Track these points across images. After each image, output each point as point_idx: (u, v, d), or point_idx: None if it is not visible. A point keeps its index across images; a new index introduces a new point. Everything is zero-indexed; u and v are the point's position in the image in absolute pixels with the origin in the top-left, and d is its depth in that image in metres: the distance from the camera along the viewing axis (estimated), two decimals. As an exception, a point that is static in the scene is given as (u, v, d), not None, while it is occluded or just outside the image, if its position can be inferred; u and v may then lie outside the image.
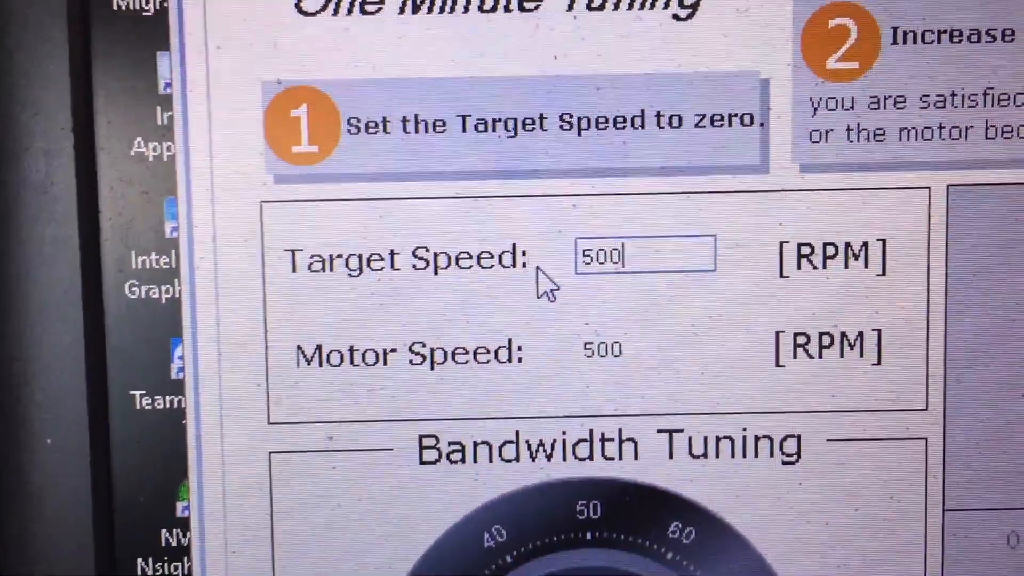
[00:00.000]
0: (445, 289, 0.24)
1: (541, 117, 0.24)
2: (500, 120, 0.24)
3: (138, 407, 0.24)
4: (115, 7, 0.24)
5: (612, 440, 0.25)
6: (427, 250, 0.24)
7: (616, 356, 0.24)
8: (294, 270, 0.24)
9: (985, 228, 0.24)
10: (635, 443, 0.25)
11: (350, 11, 0.24)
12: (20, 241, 0.24)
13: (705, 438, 0.25)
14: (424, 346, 0.24)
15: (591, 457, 0.25)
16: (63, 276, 0.24)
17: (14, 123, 0.24)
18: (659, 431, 0.25)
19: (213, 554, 0.25)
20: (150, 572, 0.25)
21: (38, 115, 0.24)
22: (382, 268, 0.24)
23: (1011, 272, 0.24)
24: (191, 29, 0.24)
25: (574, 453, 0.25)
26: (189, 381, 0.24)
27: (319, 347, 0.24)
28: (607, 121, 0.24)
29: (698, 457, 0.25)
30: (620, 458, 0.25)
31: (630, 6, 0.24)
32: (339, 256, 0.24)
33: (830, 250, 0.24)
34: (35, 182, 0.24)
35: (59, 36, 0.24)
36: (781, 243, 0.24)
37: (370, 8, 0.24)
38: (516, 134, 0.24)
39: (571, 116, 0.24)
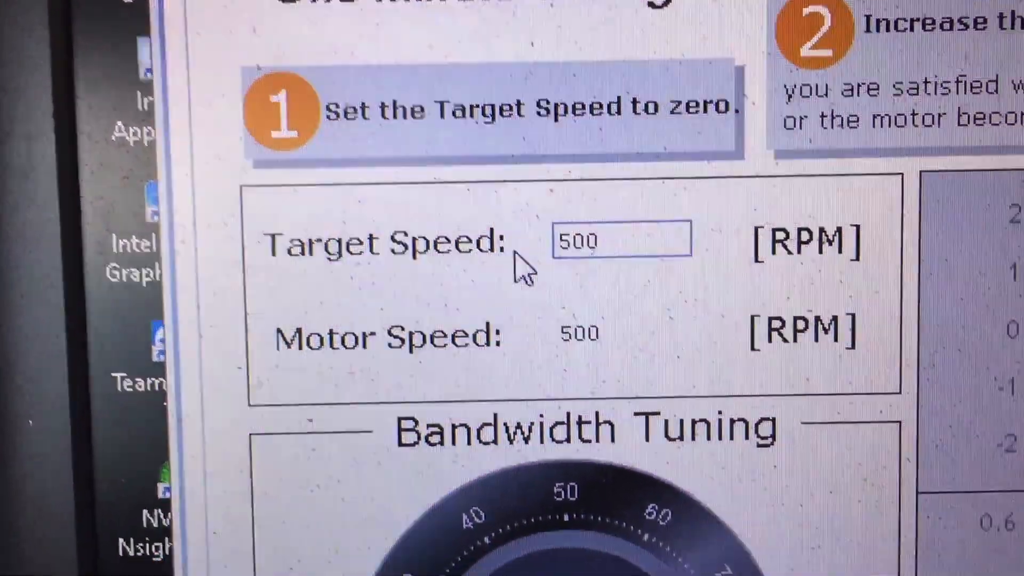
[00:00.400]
0: (423, 273, 0.24)
1: (518, 103, 0.24)
2: (477, 106, 0.24)
3: (119, 389, 0.25)
4: (97, -7, 0.24)
5: (589, 423, 0.25)
6: (406, 235, 0.24)
7: (593, 340, 0.25)
8: (274, 254, 0.24)
9: (958, 214, 0.24)
10: (612, 426, 0.25)
11: None
12: (2, 225, 0.24)
13: (681, 421, 0.25)
14: (403, 329, 0.25)
15: (568, 440, 0.25)
16: (45, 259, 0.24)
17: None
18: (635, 414, 0.25)
19: (194, 535, 0.25)
20: (131, 552, 0.25)
21: (20, 100, 0.24)
22: (361, 252, 0.24)
23: (983, 257, 0.24)
24: (171, 15, 0.24)
25: (551, 436, 0.25)
26: (170, 363, 0.24)
27: (299, 330, 0.24)
28: (583, 107, 0.24)
29: (674, 440, 0.25)
30: (597, 441, 0.25)
31: (606, -7, 0.24)
32: (318, 240, 0.24)
33: (804, 235, 0.24)
34: (17, 166, 0.24)
35: (40, 22, 0.24)
36: (756, 228, 0.24)
37: None
38: (493, 120, 0.24)
39: (548, 102, 0.24)
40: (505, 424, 0.25)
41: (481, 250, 0.24)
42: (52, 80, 0.24)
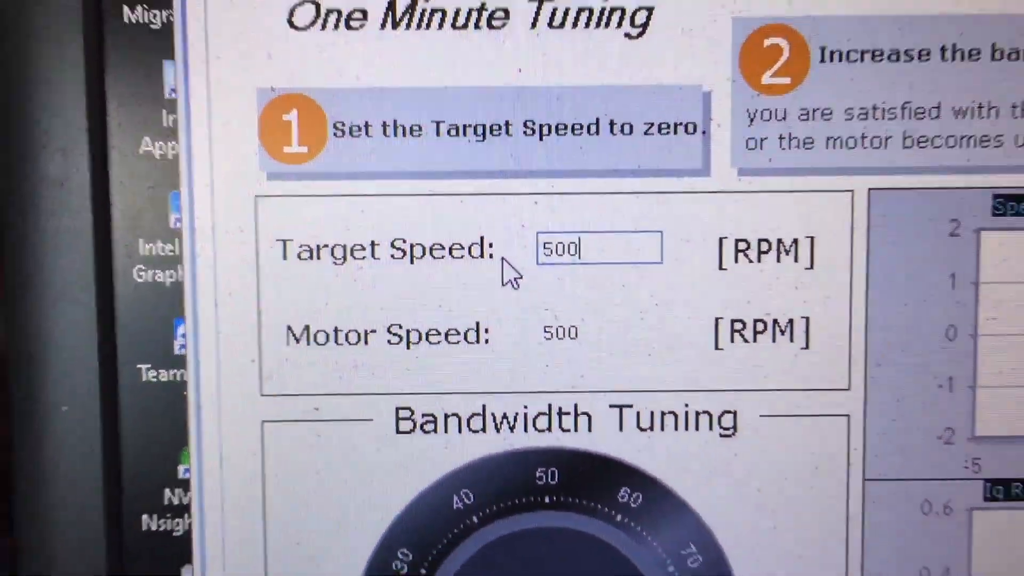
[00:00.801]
0: (420, 277, 0.27)
1: (507, 123, 0.27)
2: (470, 126, 0.27)
3: (144, 379, 0.27)
4: (126, 20, 0.27)
5: (568, 414, 0.27)
6: (404, 241, 0.27)
7: (572, 338, 0.27)
8: (284, 258, 0.27)
9: (902, 228, 0.27)
10: (589, 417, 0.27)
11: (336, 26, 0.26)
12: (39, 230, 0.27)
13: (652, 413, 0.27)
14: (401, 328, 0.27)
15: (549, 429, 0.27)
16: (78, 262, 0.27)
17: (35, 124, 0.26)
18: (610, 406, 0.27)
19: (211, 512, 0.27)
20: (154, 527, 0.28)
21: (56, 117, 0.26)
22: (364, 257, 0.27)
23: (925, 267, 0.27)
24: (193, 41, 0.26)
25: (534, 425, 0.27)
26: (190, 357, 0.27)
27: (307, 327, 0.27)
28: (566, 128, 0.27)
29: (645, 430, 0.27)
30: (575, 430, 0.27)
31: (587, 25, 0.26)
32: (325, 246, 0.27)
33: (764, 246, 0.27)
34: (53, 177, 0.26)
35: (75, 46, 0.26)
36: (720, 239, 0.27)
37: (354, 24, 0.26)
38: (484, 138, 0.27)
39: (534, 123, 0.27)
40: (492, 414, 0.27)
41: (472, 256, 0.27)
42: (86, 99, 0.26)
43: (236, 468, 0.27)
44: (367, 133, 0.26)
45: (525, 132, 0.26)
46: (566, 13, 0.26)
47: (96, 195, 0.26)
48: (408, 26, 0.26)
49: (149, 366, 0.27)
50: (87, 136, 0.26)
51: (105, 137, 0.27)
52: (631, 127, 0.26)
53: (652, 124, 0.26)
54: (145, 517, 0.27)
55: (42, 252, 0.26)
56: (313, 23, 0.26)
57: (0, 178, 0.26)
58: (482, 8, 0.26)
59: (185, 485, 0.27)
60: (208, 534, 0.27)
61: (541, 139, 0.27)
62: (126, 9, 0.26)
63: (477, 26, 0.26)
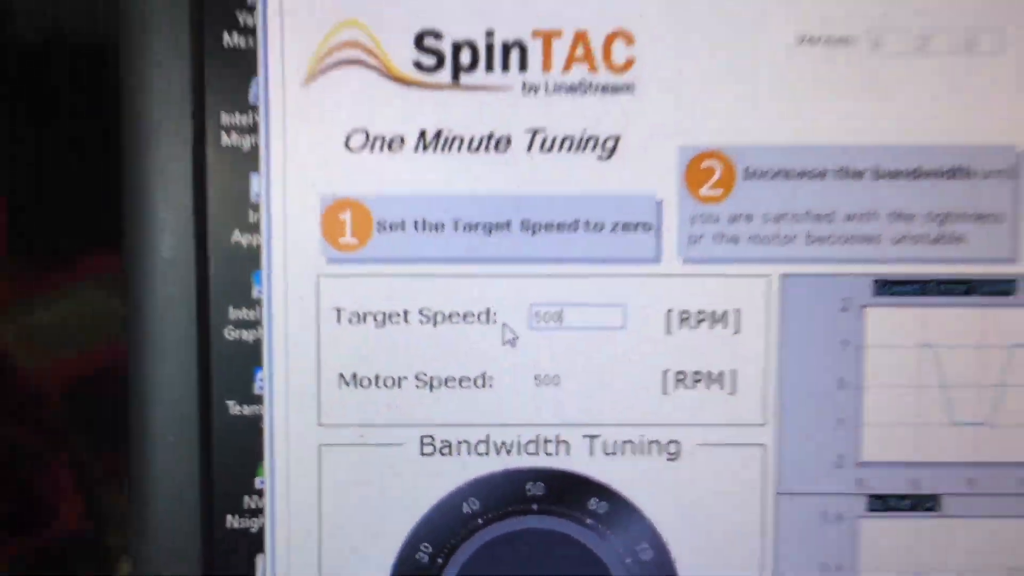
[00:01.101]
0: (441, 336, 0.35)
1: (508, 222, 0.35)
2: (481, 223, 0.35)
3: (231, 412, 0.35)
4: (223, 145, 0.35)
5: (551, 442, 0.36)
6: (429, 310, 0.35)
7: (556, 385, 0.35)
8: (338, 322, 0.35)
9: (806, 303, 0.35)
10: (568, 444, 0.36)
11: (381, 148, 0.35)
12: (153, 299, 0.35)
13: (615, 441, 0.36)
14: (426, 375, 0.35)
15: (537, 453, 0.36)
16: (182, 322, 0.35)
17: (154, 213, 0.35)
18: (583, 436, 0.36)
19: (280, 514, 0.36)
20: (236, 526, 0.36)
21: (169, 211, 0.35)
22: (398, 322, 0.35)
23: (822, 333, 0.35)
24: (274, 159, 0.35)
25: (526, 450, 0.36)
26: (266, 395, 0.35)
27: (354, 375, 0.35)
28: (553, 226, 0.35)
29: (610, 454, 0.36)
30: (557, 454, 0.36)
31: (569, 149, 0.35)
32: (369, 313, 0.35)
33: (702, 315, 0.35)
34: (167, 257, 0.35)
35: (184, 166, 0.35)
36: (668, 310, 0.35)
37: (394, 147, 0.35)
38: (491, 233, 0.35)
39: (529, 222, 0.35)
40: (494, 442, 0.36)
41: (480, 322, 0.35)
42: (193, 200, 0.35)
43: (298, 480, 0.35)
44: (403, 229, 0.35)
45: (522, 229, 0.35)
46: (554, 140, 0.35)
47: (199, 272, 0.35)
48: (435, 149, 0.35)
49: (235, 402, 0.35)
50: (194, 227, 0.35)
51: (205, 226, 0.35)
52: (602, 226, 0.35)
53: (618, 224, 0.35)
54: (229, 517, 0.35)
55: (156, 316, 0.35)
56: (363, 147, 0.35)
57: (127, 256, 0.35)
58: (490, 137, 0.35)
59: (260, 493, 0.35)
60: (277, 531, 0.35)
61: (534, 234, 0.35)
62: (223, 135, 0.35)
63: (487, 150, 0.35)
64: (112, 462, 0.48)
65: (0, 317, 0.58)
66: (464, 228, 0.35)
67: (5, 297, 0.58)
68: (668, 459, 0.35)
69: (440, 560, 0.35)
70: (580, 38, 0.34)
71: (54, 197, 0.44)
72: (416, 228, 0.35)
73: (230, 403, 0.35)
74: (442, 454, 0.35)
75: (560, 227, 0.35)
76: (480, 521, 0.35)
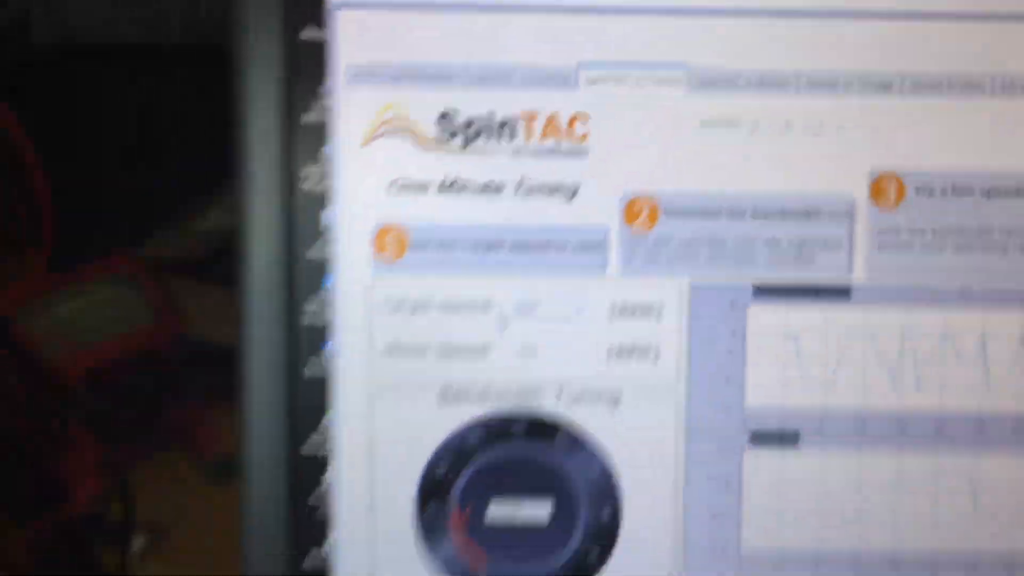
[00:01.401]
0: (455, 320, 0.51)
1: (503, 243, 0.50)
2: (483, 244, 0.50)
3: (307, 376, 0.51)
4: (305, 189, 0.50)
5: (530, 392, 0.51)
6: (448, 302, 0.51)
7: (533, 356, 0.51)
8: (383, 311, 0.51)
9: (708, 302, 0.51)
10: (540, 392, 0.51)
11: (413, 192, 0.50)
12: (257, 296, 0.50)
13: (574, 392, 0.51)
14: (446, 346, 0.51)
15: (521, 401, 0.51)
16: (276, 311, 0.50)
17: (258, 239, 0.50)
18: (552, 388, 0.51)
19: (342, 445, 0.51)
20: (312, 453, 0.51)
21: (266, 234, 0.50)
22: (425, 311, 0.51)
23: (720, 324, 0.51)
24: (340, 196, 0.50)
25: (513, 398, 0.51)
26: (332, 363, 0.51)
27: (394, 346, 0.51)
28: (534, 246, 0.50)
29: (572, 401, 0.51)
30: (535, 403, 0.51)
31: (543, 195, 0.50)
32: (404, 304, 0.51)
33: (636, 308, 0.51)
34: (263, 266, 0.50)
35: (272, 218, 0.50)
36: (611, 305, 0.51)
37: (422, 191, 0.50)
38: (488, 251, 0.50)
39: (517, 242, 0.50)
40: (491, 392, 0.51)
41: (481, 312, 0.51)
42: (286, 243, 0.50)
43: (354, 421, 0.51)
44: (427, 248, 0.50)
45: (511, 249, 0.50)
46: (532, 187, 0.50)
47: (288, 277, 0.50)
48: (451, 193, 0.50)
49: (309, 368, 0.51)
50: (286, 246, 0.50)
51: (293, 245, 0.50)
52: (566, 247, 0.50)
53: (579, 245, 0.50)
54: (305, 446, 0.50)
55: (258, 307, 0.50)
56: (401, 190, 0.50)
57: (242, 265, 0.50)
58: (489, 184, 0.50)
59: (326, 431, 0.51)
60: (340, 457, 0.51)
61: (520, 252, 0.50)
62: (304, 182, 0.50)
63: (487, 193, 0.50)
64: (130, 439, 0.62)
65: (25, 310, 0.71)
66: (471, 248, 0.50)
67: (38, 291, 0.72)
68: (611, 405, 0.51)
69: (451, 475, 0.51)
70: (551, 118, 0.49)
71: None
72: (437, 247, 0.50)
73: (306, 368, 0.50)
74: (455, 401, 0.51)
75: (539, 247, 0.50)
76: (480, 447, 0.51)
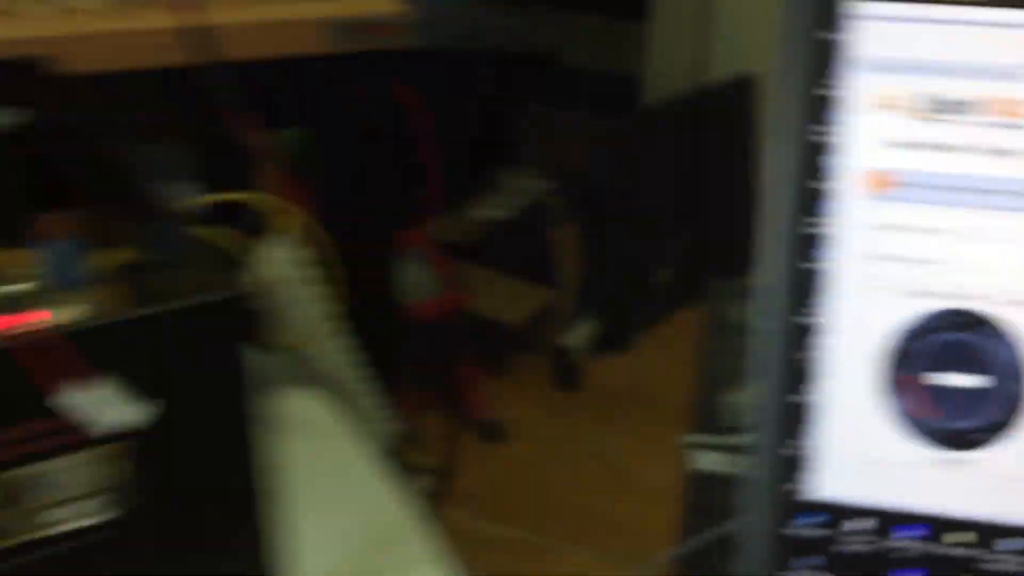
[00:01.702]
0: (951, 246, 0.72)
1: (1006, 191, 0.71)
2: (983, 191, 0.71)
3: (798, 322, 0.73)
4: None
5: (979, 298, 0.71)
6: (933, 228, 0.71)
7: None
8: (881, 234, 0.72)
9: None
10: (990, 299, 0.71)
11: (906, 150, 0.71)
12: (776, 266, 0.72)
13: None
14: (935, 263, 0.72)
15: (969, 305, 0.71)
16: (786, 270, 0.72)
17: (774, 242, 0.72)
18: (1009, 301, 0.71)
19: (832, 336, 0.73)
20: (801, 357, 0.73)
21: (778, 235, 0.72)
22: (908, 233, 0.72)
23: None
24: (844, 152, 0.71)
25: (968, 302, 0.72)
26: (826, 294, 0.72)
27: (878, 255, 0.72)
28: None
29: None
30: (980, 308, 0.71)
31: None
32: (896, 228, 0.72)
33: None
34: (777, 247, 0.72)
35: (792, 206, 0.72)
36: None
37: (914, 149, 0.71)
38: (988, 195, 0.71)
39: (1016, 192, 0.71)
40: (948, 293, 0.72)
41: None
42: (792, 233, 0.72)
43: (848, 320, 0.72)
44: (907, 188, 0.71)
45: (1013, 194, 0.71)
46: (992, 150, 0.70)
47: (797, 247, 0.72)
48: (924, 149, 0.71)
49: (800, 317, 0.73)
50: (793, 243, 0.72)
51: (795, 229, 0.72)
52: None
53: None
54: (799, 352, 0.73)
55: (776, 270, 0.72)
56: (887, 146, 0.71)
57: (757, 250, 0.72)
58: (998, 149, 0.70)
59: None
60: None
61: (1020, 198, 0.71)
62: (807, 138, 0.72)
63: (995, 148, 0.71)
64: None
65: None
66: (934, 189, 0.71)
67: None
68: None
69: (911, 349, 0.72)
70: (1007, 102, 0.70)
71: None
72: (912, 188, 0.71)
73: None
74: (918, 297, 0.71)
75: (984, 192, 0.70)
76: (933, 331, 0.71)
